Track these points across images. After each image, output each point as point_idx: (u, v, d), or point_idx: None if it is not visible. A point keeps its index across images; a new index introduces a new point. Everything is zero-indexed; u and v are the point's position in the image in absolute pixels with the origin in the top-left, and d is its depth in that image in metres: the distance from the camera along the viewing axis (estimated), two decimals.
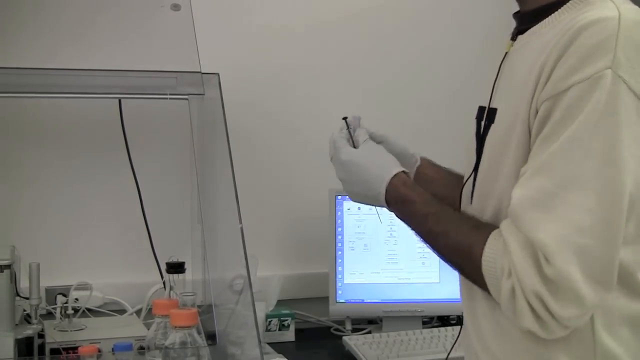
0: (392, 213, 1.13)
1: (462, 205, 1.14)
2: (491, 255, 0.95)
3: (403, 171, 1.12)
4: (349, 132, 1.20)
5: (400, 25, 2.05)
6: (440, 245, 1.04)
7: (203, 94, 1.68)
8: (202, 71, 1.64)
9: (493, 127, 1.05)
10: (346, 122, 1.22)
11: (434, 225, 1.04)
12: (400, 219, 1.12)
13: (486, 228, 0.99)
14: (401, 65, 2.06)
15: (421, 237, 1.09)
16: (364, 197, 1.15)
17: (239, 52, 1.90)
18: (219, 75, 1.68)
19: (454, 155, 1.29)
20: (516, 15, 1.10)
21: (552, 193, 0.90)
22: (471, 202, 1.09)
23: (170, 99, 1.67)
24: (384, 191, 1.10)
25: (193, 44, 1.61)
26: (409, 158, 1.29)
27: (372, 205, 1.15)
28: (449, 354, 1.24)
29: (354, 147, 1.18)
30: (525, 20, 1.05)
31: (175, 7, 1.68)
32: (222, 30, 1.88)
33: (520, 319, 0.92)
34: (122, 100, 1.77)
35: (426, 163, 1.31)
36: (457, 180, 1.23)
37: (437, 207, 1.06)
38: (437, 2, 2.08)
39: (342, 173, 1.16)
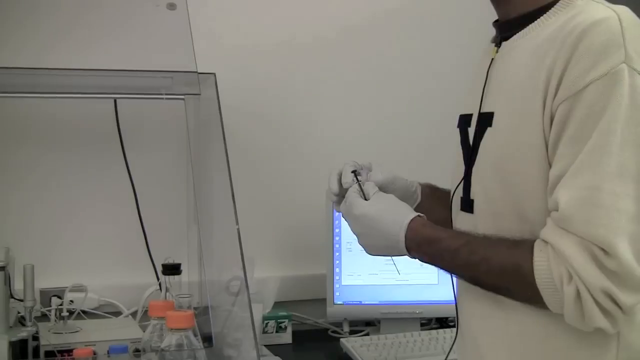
0: (415, 259, 1.12)
1: (452, 214, 1.17)
2: (543, 266, 0.96)
3: (418, 215, 1.11)
4: (359, 185, 1.18)
5: (403, 32, 2.06)
6: (481, 273, 1.04)
7: (199, 94, 1.67)
8: (199, 71, 1.63)
9: (491, 130, 1.06)
10: (355, 175, 1.20)
11: (470, 256, 1.04)
12: (425, 262, 1.11)
13: (525, 243, 1.00)
14: (401, 67, 2.05)
15: (454, 273, 1.10)
16: (382, 248, 1.13)
17: (236, 51, 1.89)
18: (215, 75, 1.67)
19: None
20: (497, 24, 1.14)
21: (598, 188, 0.93)
22: (470, 210, 1.10)
23: (166, 99, 1.66)
24: (403, 237, 1.09)
25: (189, 43, 1.60)
26: (410, 195, 1.28)
27: (390, 255, 1.14)
28: (447, 357, 1.25)
29: (365, 199, 1.17)
30: (509, 27, 1.09)
31: (171, 6, 1.67)
32: (219, 29, 1.87)
33: (590, 319, 0.94)
34: (118, 101, 1.77)
35: (427, 195, 1.30)
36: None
37: (465, 238, 1.06)
38: (439, 14, 2.07)
39: (357, 227, 1.15)
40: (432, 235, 1.08)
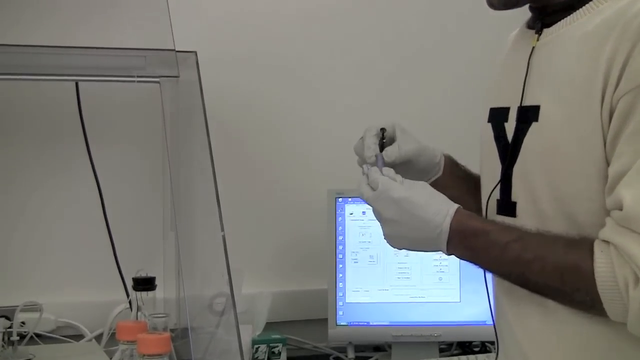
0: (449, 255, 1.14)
1: (487, 217, 1.20)
2: (605, 269, 0.99)
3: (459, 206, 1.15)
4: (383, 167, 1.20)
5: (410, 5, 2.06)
6: (534, 271, 1.06)
7: (177, 76, 1.67)
8: (177, 49, 1.62)
9: (537, 125, 1.10)
10: (381, 150, 1.22)
11: (522, 252, 1.06)
12: (465, 258, 1.13)
13: (584, 242, 1.03)
14: (406, 38, 2.05)
15: (499, 270, 1.12)
16: (415, 240, 1.15)
17: (221, 26, 1.88)
18: (196, 54, 1.68)
19: (459, 155, 1.34)
20: (533, 8, 1.18)
21: None
22: (512, 214, 1.14)
23: (139, 82, 1.66)
24: (447, 227, 1.11)
25: (166, 17, 1.59)
26: (432, 168, 1.31)
27: (422, 250, 1.16)
28: None
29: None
30: (551, 13, 1.13)
31: None
32: (200, 1, 1.87)
33: None
34: (80, 83, 1.74)
35: (447, 173, 1.33)
36: (474, 184, 1.30)
37: (517, 232, 1.09)
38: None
39: (392, 213, 1.15)
40: (478, 226, 1.10)
